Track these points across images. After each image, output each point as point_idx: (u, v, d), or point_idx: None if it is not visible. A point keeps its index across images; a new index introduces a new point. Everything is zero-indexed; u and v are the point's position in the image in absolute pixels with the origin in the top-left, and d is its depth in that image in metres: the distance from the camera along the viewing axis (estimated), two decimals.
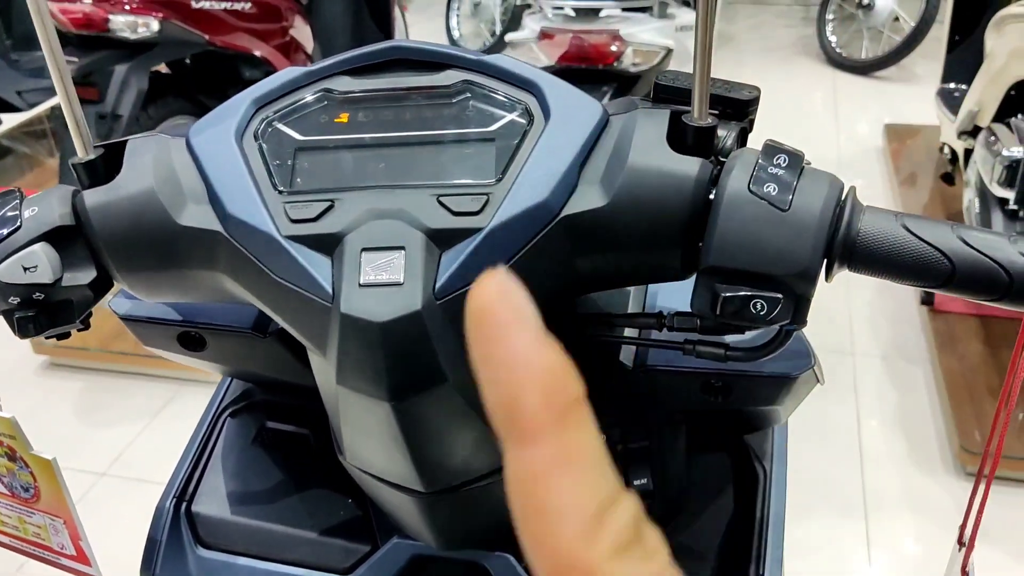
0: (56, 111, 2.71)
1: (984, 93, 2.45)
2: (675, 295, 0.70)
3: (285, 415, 0.83)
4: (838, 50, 4.72)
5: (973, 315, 2.57)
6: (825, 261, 0.52)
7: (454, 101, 0.57)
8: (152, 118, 2.60)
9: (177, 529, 0.78)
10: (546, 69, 0.63)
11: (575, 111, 0.55)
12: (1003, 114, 2.40)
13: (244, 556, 0.77)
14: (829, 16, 4.80)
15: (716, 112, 0.54)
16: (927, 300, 2.63)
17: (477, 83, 0.57)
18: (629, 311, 0.70)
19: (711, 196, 0.52)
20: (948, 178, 2.93)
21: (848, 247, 0.51)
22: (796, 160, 0.52)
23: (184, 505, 0.79)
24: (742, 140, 0.56)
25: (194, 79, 2.93)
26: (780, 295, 0.51)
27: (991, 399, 2.27)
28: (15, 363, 2.63)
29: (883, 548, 1.98)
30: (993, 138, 2.28)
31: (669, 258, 0.54)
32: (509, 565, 0.71)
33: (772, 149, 0.52)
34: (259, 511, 0.78)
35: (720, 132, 0.54)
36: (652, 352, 0.67)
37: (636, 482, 0.70)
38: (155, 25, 2.54)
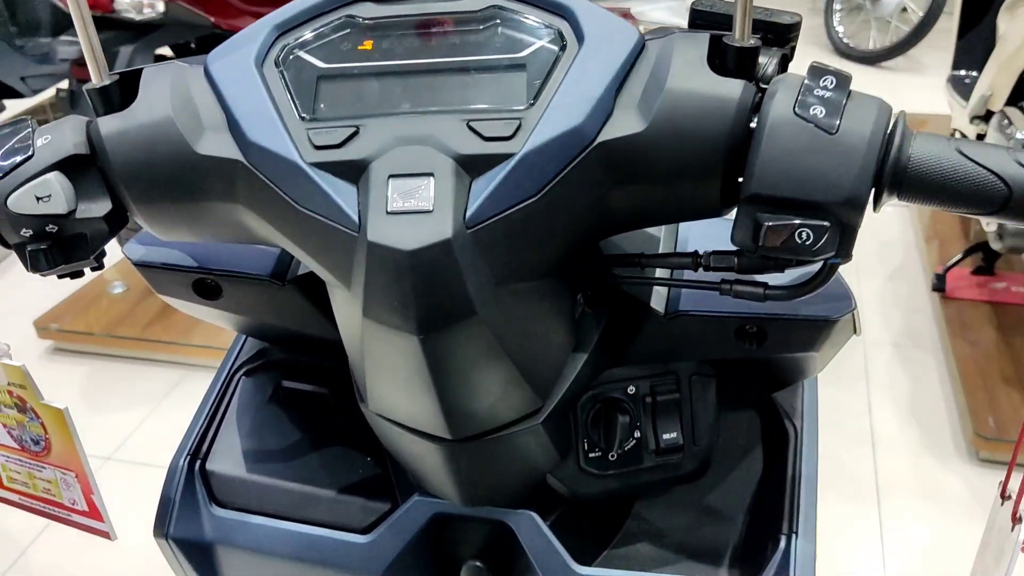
0: (60, 96, 2.69)
1: (997, 77, 2.43)
2: (706, 239, 0.68)
3: (302, 374, 0.81)
4: (846, 40, 4.69)
5: (985, 301, 2.55)
6: (873, 189, 0.50)
7: (482, 27, 0.55)
8: None
9: (191, 487, 0.76)
10: None
11: (610, 35, 0.52)
12: (1016, 98, 2.37)
13: (260, 515, 0.75)
14: (837, 6, 4.77)
15: (758, 36, 0.52)
16: (938, 287, 2.61)
17: (507, 8, 0.55)
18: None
19: (752, 124, 0.50)
20: None
21: (899, 173, 0.49)
22: (844, 81, 0.49)
23: (198, 463, 0.77)
24: (783, 67, 0.54)
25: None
26: (827, 223, 0.49)
27: (1004, 385, 2.25)
28: (19, 348, 2.61)
29: (895, 534, 1.96)
30: (1006, 121, 2.26)
31: (708, 189, 0.52)
32: (533, 523, 0.69)
33: (818, 71, 0.50)
34: (275, 469, 0.76)
35: (761, 59, 0.52)
36: (684, 297, 0.65)
37: (665, 436, 0.68)
38: (161, 6, 2.51)
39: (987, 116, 2.50)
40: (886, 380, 2.41)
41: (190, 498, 0.76)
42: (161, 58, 2.61)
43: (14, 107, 3.65)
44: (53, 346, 2.65)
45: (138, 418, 2.37)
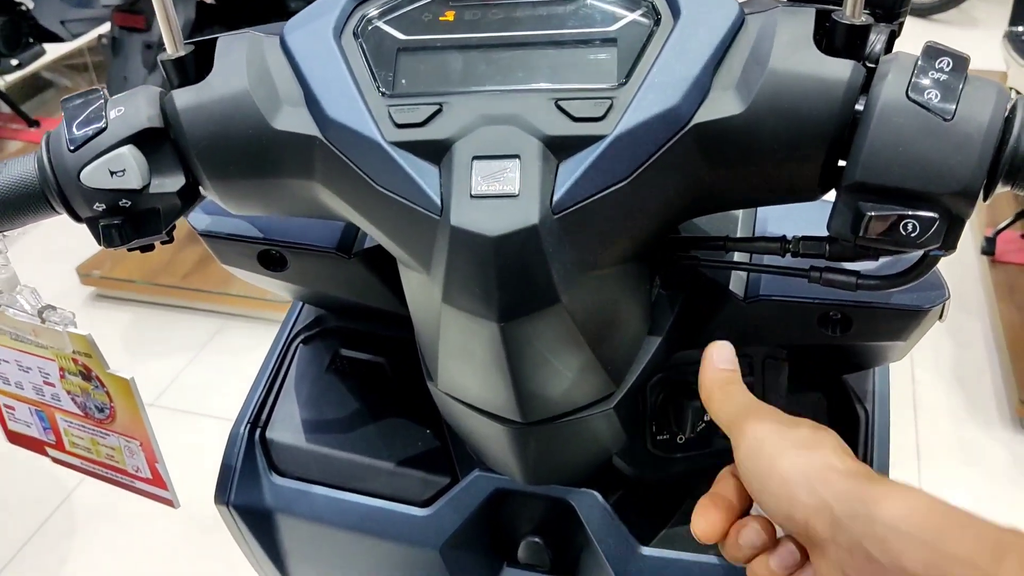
0: (101, 43, 2.67)
1: None
2: (785, 221, 0.65)
3: (360, 343, 0.80)
4: None
5: None
6: (986, 179, 0.47)
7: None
8: None
9: (252, 455, 0.76)
10: None
11: (708, 8, 0.50)
12: None
13: (319, 484, 0.75)
14: None
15: (866, 12, 0.49)
16: (988, 250, 2.55)
17: None
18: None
19: (859, 107, 0.47)
20: None
21: (1017, 163, 0.46)
22: (962, 64, 0.46)
23: (258, 432, 0.77)
24: (889, 45, 0.51)
25: (240, 8, 2.87)
26: (935, 215, 0.46)
27: None
28: (62, 294, 2.64)
29: None
30: None
31: (807, 174, 0.49)
32: (595, 502, 0.68)
33: (934, 51, 0.47)
34: (334, 440, 0.76)
35: (870, 35, 0.49)
36: (765, 281, 0.62)
37: None
38: None
39: None
40: (930, 344, 2.37)
41: (250, 466, 0.75)
42: (203, 4, 2.58)
43: (54, 51, 3.64)
44: (95, 292, 2.68)
45: (179, 366, 2.39)
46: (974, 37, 4.15)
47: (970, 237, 2.76)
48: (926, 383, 2.26)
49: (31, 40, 3.26)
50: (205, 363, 2.41)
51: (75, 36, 3.25)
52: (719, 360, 0.55)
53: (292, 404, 0.79)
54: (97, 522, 1.98)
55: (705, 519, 0.52)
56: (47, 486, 2.06)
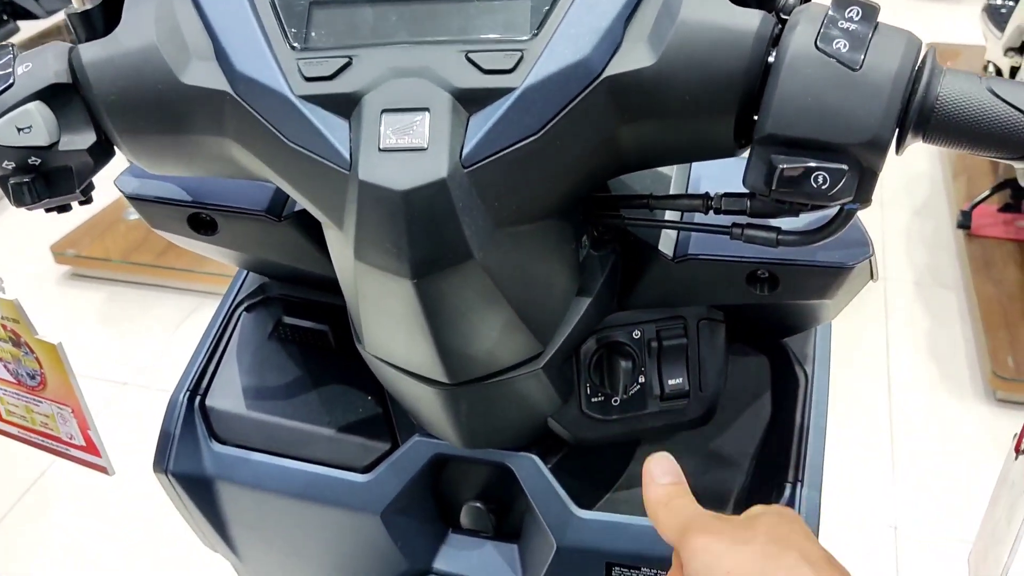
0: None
1: None
2: (720, 181, 0.65)
3: (303, 311, 0.79)
4: None
5: (1011, 240, 2.50)
6: (897, 130, 0.46)
7: None
8: None
9: (191, 423, 0.75)
10: None
11: None
12: None
13: (259, 452, 0.74)
14: None
15: None
16: (964, 224, 2.56)
17: None
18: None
19: (770, 59, 0.47)
20: None
21: (925, 112, 0.46)
22: (871, 12, 0.46)
23: (198, 399, 0.76)
24: None
25: None
26: (845, 166, 0.46)
27: None
28: (37, 274, 2.62)
29: (908, 473, 1.96)
30: None
31: (721, 128, 0.49)
32: (533, 465, 0.68)
33: (845, 1, 0.46)
34: (275, 407, 0.75)
35: None
36: (693, 240, 0.62)
37: (671, 382, 0.66)
38: None
39: (1022, 48, 2.41)
40: (905, 317, 2.38)
41: (190, 434, 0.75)
42: None
43: (29, 28, 3.60)
44: (71, 271, 2.66)
45: (155, 344, 2.39)
46: (956, 12, 4.14)
47: (947, 210, 2.77)
48: (901, 356, 2.27)
49: (5, 17, 3.23)
50: (182, 342, 2.40)
51: (50, 13, 3.22)
52: (660, 475, 0.52)
53: (233, 371, 0.78)
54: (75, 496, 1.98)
55: None
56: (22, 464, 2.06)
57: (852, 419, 2.09)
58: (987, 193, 2.58)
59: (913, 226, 2.69)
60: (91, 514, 1.94)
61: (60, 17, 3.45)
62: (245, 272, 0.83)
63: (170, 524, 1.87)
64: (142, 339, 2.41)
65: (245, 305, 0.81)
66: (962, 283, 2.47)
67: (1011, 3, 2.73)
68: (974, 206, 2.58)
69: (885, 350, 2.29)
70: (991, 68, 2.77)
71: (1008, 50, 2.47)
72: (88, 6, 0.53)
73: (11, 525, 1.94)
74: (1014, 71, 2.50)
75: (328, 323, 0.78)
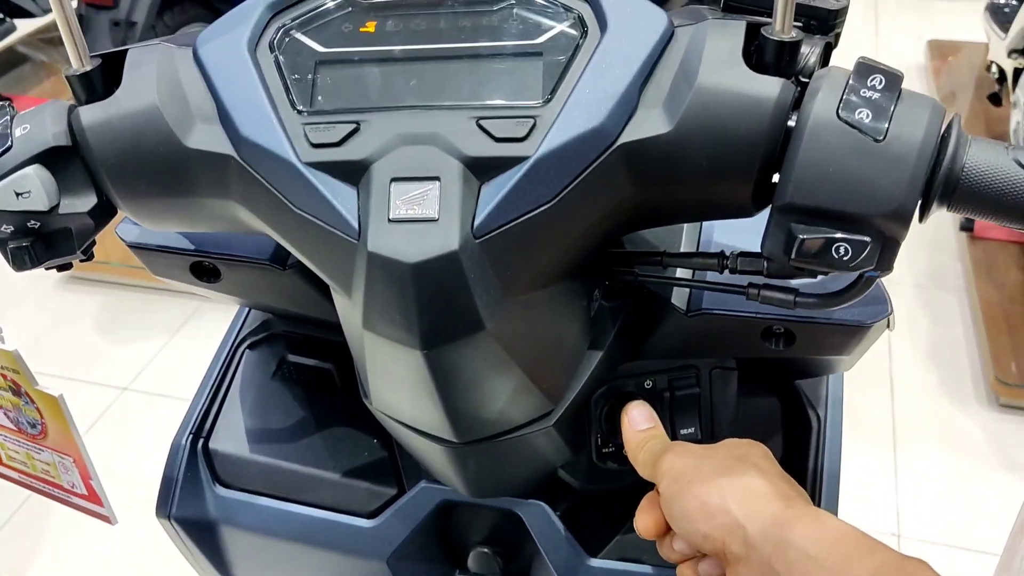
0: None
1: None
2: (733, 233, 0.64)
3: (307, 348, 0.78)
4: None
5: (1014, 243, 2.49)
6: (921, 200, 0.45)
7: (496, 9, 0.50)
8: (168, 26, 2.49)
9: (194, 467, 0.74)
10: None
11: (635, 21, 0.47)
12: None
13: (264, 496, 0.73)
14: None
15: (799, 24, 0.47)
16: (967, 226, 2.54)
17: None
18: (682, 249, 0.64)
19: (791, 123, 0.45)
20: (995, 99, 2.80)
21: (951, 183, 0.45)
22: (894, 82, 0.44)
23: (201, 442, 0.75)
24: (826, 58, 0.49)
25: None
26: (867, 238, 0.45)
27: None
28: (36, 277, 2.60)
29: (911, 478, 1.95)
30: None
31: (739, 193, 0.48)
32: (543, 513, 0.67)
33: (866, 68, 0.45)
34: (280, 450, 0.74)
35: (802, 48, 0.47)
36: (708, 295, 0.61)
37: (683, 431, 0.65)
38: None
39: None
40: (907, 321, 2.37)
41: (193, 478, 0.74)
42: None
43: (25, 27, 3.58)
44: (70, 275, 2.64)
45: (154, 349, 2.37)
46: (957, 7, 4.10)
47: (949, 214, 2.75)
48: (903, 359, 2.26)
49: (1, 16, 3.20)
50: (181, 346, 2.38)
51: (46, 12, 3.20)
52: (638, 421, 0.59)
53: (237, 412, 0.77)
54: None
55: (644, 517, 0.55)
56: None
57: (854, 425, 2.08)
58: None
59: (914, 228, 2.67)
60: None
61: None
62: (247, 308, 0.82)
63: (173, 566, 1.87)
64: (141, 343, 2.39)
65: (248, 343, 0.80)
66: (964, 286, 2.46)
67: (1015, 2, 2.71)
68: None
69: (887, 354, 2.28)
70: (994, 69, 2.76)
71: (1012, 52, 2.46)
72: (87, 67, 0.51)
73: (9, 534, 1.93)
74: (1018, 72, 2.48)
75: (332, 361, 0.76)
